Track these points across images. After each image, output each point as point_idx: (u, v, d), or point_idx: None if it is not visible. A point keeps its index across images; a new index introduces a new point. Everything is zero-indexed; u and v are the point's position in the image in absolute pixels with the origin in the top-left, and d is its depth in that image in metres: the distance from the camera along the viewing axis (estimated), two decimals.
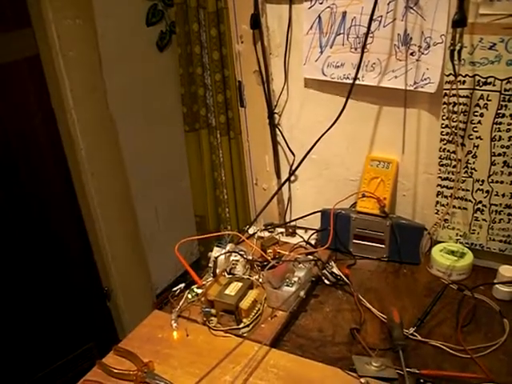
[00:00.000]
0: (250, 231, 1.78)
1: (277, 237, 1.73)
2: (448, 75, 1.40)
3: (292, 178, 1.84)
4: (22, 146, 2.14)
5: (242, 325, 1.36)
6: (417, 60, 1.43)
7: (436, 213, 1.61)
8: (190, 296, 1.48)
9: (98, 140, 2.33)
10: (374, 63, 1.50)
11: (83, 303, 2.53)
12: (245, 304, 1.35)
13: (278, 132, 1.80)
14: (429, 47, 1.39)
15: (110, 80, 2.34)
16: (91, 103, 2.28)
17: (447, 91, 1.43)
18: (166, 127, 2.56)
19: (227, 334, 1.35)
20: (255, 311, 1.39)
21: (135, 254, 2.67)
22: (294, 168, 1.76)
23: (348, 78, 1.54)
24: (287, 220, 1.89)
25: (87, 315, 2.55)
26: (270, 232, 1.77)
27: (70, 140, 2.25)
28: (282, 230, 1.78)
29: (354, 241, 1.67)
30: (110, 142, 2.38)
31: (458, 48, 1.33)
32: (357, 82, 1.52)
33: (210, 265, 1.53)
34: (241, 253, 1.55)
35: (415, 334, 1.31)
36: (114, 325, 2.68)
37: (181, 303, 1.45)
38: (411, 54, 1.43)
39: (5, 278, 2.17)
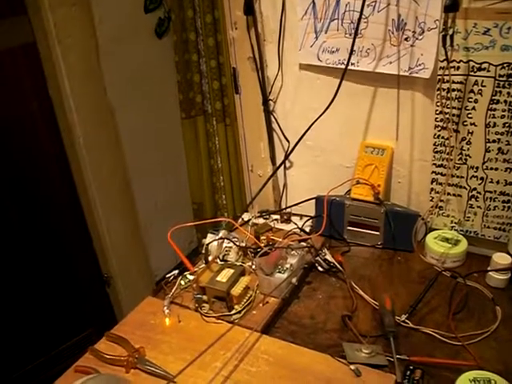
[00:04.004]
0: (245, 218, 1.77)
1: (271, 224, 1.74)
2: (442, 61, 1.39)
3: (287, 164, 1.84)
4: (20, 133, 2.13)
5: (233, 311, 1.36)
6: (411, 45, 1.42)
7: (431, 200, 1.61)
8: (182, 282, 1.48)
9: (96, 127, 2.33)
10: (369, 49, 1.49)
11: (83, 290, 2.54)
12: (236, 291, 1.35)
13: (273, 119, 1.80)
14: (423, 32, 1.38)
15: (107, 67, 2.33)
16: (89, 90, 2.27)
17: (441, 77, 1.42)
18: (164, 114, 2.55)
19: (219, 321, 1.36)
20: (247, 298, 1.40)
21: (134, 242, 2.67)
22: (288, 154, 1.76)
23: (343, 63, 1.53)
24: (283, 207, 1.89)
25: (87, 302, 2.55)
26: (264, 219, 1.77)
27: (67, 128, 2.24)
28: (277, 216, 1.78)
29: (349, 228, 1.67)
30: (108, 130, 2.38)
31: (450, 33, 1.32)
32: (352, 67, 1.52)
33: (203, 252, 1.53)
34: (233, 240, 1.55)
35: (407, 321, 1.32)
36: (114, 311, 2.68)
37: (173, 290, 1.46)
38: (405, 39, 1.42)
39: (5, 265, 2.18)
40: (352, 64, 1.51)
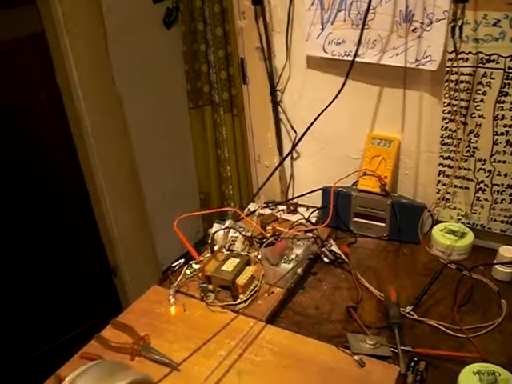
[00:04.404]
0: (251, 208, 1.78)
1: (278, 214, 1.73)
2: (451, 52, 1.38)
3: (294, 155, 1.84)
4: (28, 122, 2.14)
5: (238, 300, 1.36)
6: (418, 37, 1.41)
7: (437, 192, 1.61)
8: (188, 272, 1.49)
9: (104, 116, 2.33)
10: (375, 40, 1.48)
11: (89, 279, 2.55)
12: (241, 280, 1.36)
13: (280, 109, 1.80)
14: (431, 24, 1.37)
15: (115, 56, 2.33)
16: (97, 79, 2.28)
17: (449, 69, 1.41)
18: (172, 104, 2.55)
19: (224, 310, 1.36)
20: (252, 287, 1.40)
21: (141, 231, 2.68)
22: (295, 145, 1.76)
23: (349, 55, 1.53)
24: (289, 197, 1.89)
25: (93, 291, 2.57)
26: (271, 209, 1.77)
27: (75, 116, 2.25)
28: (284, 207, 1.78)
29: (355, 219, 1.67)
30: (115, 119, 2.38)
31: (459, 24, 1.31)
32: (358, 59, 1.51)
33: (209, 241, 1.54)
34: (239, 229, 1.55)
35: (412, 312, 1.31)
36: (120, 300, 2.70)
37: (179, 279, 1.46)
38: (413, 30, 1.41)
39: (13, 254, 2.19)
40: (358, 56, 1.50)
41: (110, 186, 2.44)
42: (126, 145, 2.46)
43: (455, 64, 1.39)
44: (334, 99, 1.55)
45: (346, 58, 1.54)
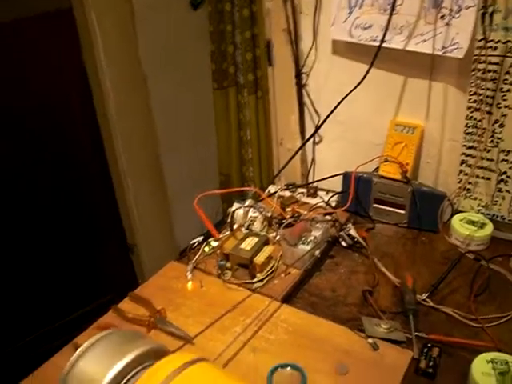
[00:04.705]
0: (272, 190, 1.78)
1: (297, 197, 1.74)
2: (479, 40, 1.37)
3: (317, 139, 1.84)
4: (52, 101, 2.15)
5: (255, 279, 1.37)
6: (447, 24, 1.39)
7: (459, 182, 1.60)
8: (206, 249, 1.50)
9: (129, 96, 2.33)
10: (403, 26, 1.47)
11: (108, 256, 2.58)
12: (259, 259, 1.37)
13: (305, 93, 1.80)
14: (460, 10, 1.36)
15: (141, 35, 2.33)
16: (123, 58, 2.27)
17: (477, 57, 1.40)
18: (196, 84, 2.55)
19: (240, 288, 1.37)
20: (269, 267, 1.41)
21: (160, 211, 2.68)
22: (318, 128, 1.75)
23: (375, 40, 1.52)
24: (309, 181, 1.89)
25: (110, 267, 2.59)
26: (291, 192, 1.77)
27: (100, 96, 2.26)
28: (304, 190, 1.78)
29: (375, 205, 1.67)
30: (140, 99, 2.38)
31: (490, 11, 1.30)
32: (384, 44, 1.50)
33: (228, 220, 1.55)
34: (260, 209, 1.56)
35: (427, 300, 1.31)
36: (137, 278, 2.72)
37: (197, 255, 1.48)
38: (441, 17, 1.40)
39: (34, 230, 2.22)
40: (385, 41, 1.50)
41: (132, 165, 2.45)
42: (149, 125, 2.46)
43: (483, 52, 1.37)
44: (358, 84, 1.55)
45: (372, 43, 1.53)
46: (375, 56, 1.50)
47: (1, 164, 2.04)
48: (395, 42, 1.50)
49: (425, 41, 1.45)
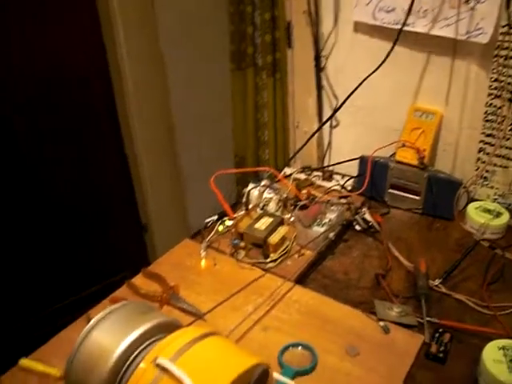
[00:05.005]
0: (287, 172, 1.78)
1: (313, 180, 1.74)
2: (503, 26, 1.36)
3: (334, 123, 1.84)
4: (71, 80, 2.15)
5: (268, 259, 1.38)
6: (471, 8, 1.38)
7: (476, 169, 1.59)
8: (220, 228, 1.50)
9: (147, 75, 2.33)
10: (426, 10, 1.46)
11: (121, 234, 2.59)
12: (273, 239, 1.37)
13: (324, 76, 1.79)
14: None
15: (160, 13, 2.32)
16: (142, 36, 2.27)
17: (500, 43, 1.38)
18: (214, 65, 2.55)
19: (253, 267, 1.37)
20: (283, 247, 1.41)
21: (174, 192, 2.69)
22: (335, 111, 1.75)
23: (398, 23, 1.51)
24: (325, 165, 1.89)
25: (123, 245, 2.60)
26: (306, 175, 1.77)
27: (118, 75, 2.26)
28: (319, 173, 1.78)
29: (390, 190, 1.67)
30: (158, 78, 2.38)
31: None
32: (407, 28, 1.49)
33: (244, 200, 1.55)
34: (275, 190, 1.56)
35: (440, 285, 1.31)
36: (148, 257, 2.73)
37: (211, 234, 1.48)
38: (466, 1, 1.38)
39: (50, 207, 2.24)
40: (408, 25, 1.49)
41: (147, 145, 2.45)
42: (165, 105, 2.47)
43: (507, 38, 1.36)
44: (377, 67, 1.54)
45: (395, 26, 1.52)
46: (396, 40, 1.49)
47: (17, 138, 2.06)
48: (419, 25, 1.49)
49: (448, 25, 1.44)
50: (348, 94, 1.65)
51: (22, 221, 2.18)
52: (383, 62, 1.52)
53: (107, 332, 0.87)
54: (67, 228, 2.34)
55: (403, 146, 1.62)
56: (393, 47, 1.50)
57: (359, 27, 1.65)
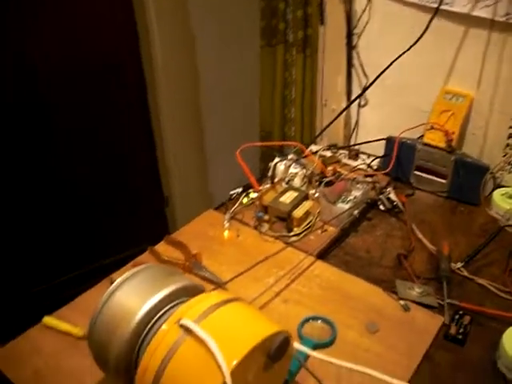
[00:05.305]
0: (313, 149, 1.77)
1: (339, 157, 1.73)
2: None
3: (362, 102, 1.83)
4: (102, 57, 2.17)
5: (292, 233, 1.38)
6: None
7: (504, 156, 1.57)
8: (245, 200, 1.51)
9: (176, 53, 2.33)
10: None
11: (143, 207, 2.61)
12: (298, 213, 1.37)
13: (355, 54, 1.77)
14: None
15: None
16: (173, 13, 2.27)
17: None
18: (243, 41, 2.53)
19: (276, 241, 1.38)
20: (307, 222, 1.41)
21: (198, 166, 2.70)
22: (364, 90, 1.74)
23: (435, 1, 1.49)
24: (351, 144, 1.88)
25: (144, 217, 2.62)
26: (332, 152, 1.76)
27: (148, 53, 2.26)
28: (345, 152, 1.77)
29: (416, 172, 1.66)
30: (187, 53, 2.38)
31: None
32: (445, 7, 1.47)
33: (269, 174, 1.55)
34: (301, 165, 1.56)
35: (462, 269, 1.30)
36: (169, 231, 2.75)
37: (235, 206, 1.48)
38: None
39: (73, 176, 2.27)
40: (446, 4, 1.46)
41: (173, 118, 2.46)
42: (193, 79, 2.46)
43: None
44: (410, 47, 1.53)
45: (432, 4, 1.50)
46: (432, 19, 1.47)
47: (50, 112, 2.08)
48: (457, 5, 1.47)
49: (488, 6, 1.41)
50: (378, 71, 1.64)
51: (51, 190, 2.22)
52: (416, 42, 1.50)
53: (131, 293, 0.88)
54: (91, 198, 2.37)
55: (431, 128, 1.61)
56: (427, 27, 1.48)
57: (393, 5, 1.62)
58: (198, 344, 0.74)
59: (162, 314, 0.85)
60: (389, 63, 1.59)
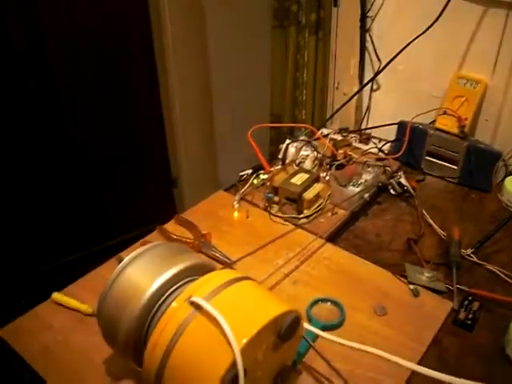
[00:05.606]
0: (324, 132, 1.77)
1: (350, 141, 1.73)
2: None
3: (374, 86, 1.81)
4: (112, 32, 2.16)
5: (301, 215, 1.37)
6: None
7: None
8: (255, 182, 1.50)
9: (187, 30, 2.32)
10: None
11: (151, 187, 2.61)
12: (308, 195, 1.36)
13: (368, 37, 1.76)
14: None
15: None
16: None
17: None
18: (255, 22, 2.52)
19: (286, 222, 1.38)
20: (317, 204, 1.41)
21: (206, 147, 2.69)
22: (377, 73, 1.72)
23: None
24: (362, 128, 1.87)
25: (153, 199, 2.62)
26: (343, 136, 1.76)
27: (158, 28, 2.25)
28: (356, 136, 1.77)
29: (427, 157, 1.65)
30: (197, 33, 2.37)
31: None
32: None
33: (280, 156, 1.54)
34: (312, 148, 1.55)
35: (472, 255, 1.30)
36: (177, 211, 2.75)
37: (246, 187, 1.48)
38: None
39: (86, 160, 2.27)
40: None
41: (183, 99, 2.45)
42: (203, 60, 2.45)
43: None
44: (424, 31, 1.51)
45: None
46: (447, 3, 1.45)
47: (57, 85, 2.07)
48: None
49: None
50: (391, 56, 1.63)
51: (59, 171, 2.22)
52: (431, 26, 1.49)
53: (141, 270, 0.87)
54: (100, 178, 2.37)
55: (444, 113, 1.60)
56: (442, 11, 1.46)
57: None
58: (209, 321, 0.74)
59: (173, 291, 0.84)
60: (402, 47, 1.58)
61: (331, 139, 1.70)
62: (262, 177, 1.50)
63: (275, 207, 1.40)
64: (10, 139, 2.03)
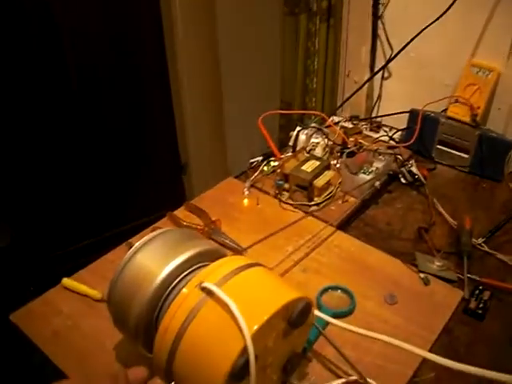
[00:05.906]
0: (335, 120, 1.76)
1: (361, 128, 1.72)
2: None
3: (386, 74, 1.80)
4: (121, 14, 2.16)
5: (312, 202, 1.37)
6: None
7: None
8: (265, 169, 1.50)
9: (196, 15, 2.31)
10: None
11: (161, 174, 2.61)
12: (319, 182, 1.35)
13: (380, 24, 1.74)
14: None
15: None
16: None
17: None
18: (266, 9, 2.51)
19: (296, 210, 1.37)
20: (328, 192, 1.40)
21: (216, 135, 2.69)
22: (389, 61, 1.71)
23: None
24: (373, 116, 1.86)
25: (162, 184, 2.63)
26: (353, 124, 1.75)
27: (168, 10, 2.24)
28: (367, 124, 1.76)
29: (438, 146, 1.64)
30: (207, 19, 2.36)
31: None
32: None
33: (290, 143, 1.54)
34: (323, 135, 1.54)
35: (483, 244, 1.29)
36: (187, 198, 2.75)
37: (256, 173, 1.48)
38: None
39: (96, 146, 2.28)
40: None
41: (192, 86, 2.44)
42: (212, 47, 2.44)
43: None
44: (437, 18, 1.50)
45: None
46: None
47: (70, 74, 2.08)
48: None
49: None
50: (403, 44, 1.61)
51: (70, 157, 2.23)
52: (444, 13, 1.48)
53: (152, 255, 0.87)
54: (109, 166, 2.38)
55: (456, 101, 1.59)
56: None
57: None
58: (220, 307, 0.73)
59: (184, 277, 0.84)
60: (414, 35, 1.57)
61: (342, 127, 1.69)
62: (272, 164, 1.50)
63: (285, 194, 1.40)
64: (21, 129, 2.05)
